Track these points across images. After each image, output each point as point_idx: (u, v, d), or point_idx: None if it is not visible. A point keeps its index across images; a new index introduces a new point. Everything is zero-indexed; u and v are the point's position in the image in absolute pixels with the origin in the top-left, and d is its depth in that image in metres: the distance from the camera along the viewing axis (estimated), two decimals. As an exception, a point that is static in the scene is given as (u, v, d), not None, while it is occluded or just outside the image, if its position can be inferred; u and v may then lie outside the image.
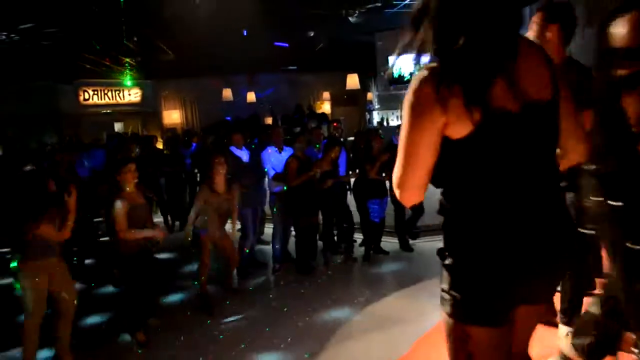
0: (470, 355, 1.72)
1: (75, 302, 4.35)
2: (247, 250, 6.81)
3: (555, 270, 1.74)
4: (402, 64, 13.47)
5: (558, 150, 1.76)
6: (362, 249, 7.21)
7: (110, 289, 6.44)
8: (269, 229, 7.48)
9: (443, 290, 1.77)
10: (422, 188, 1.70)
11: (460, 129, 1.57)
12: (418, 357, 3.44)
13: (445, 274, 1.77)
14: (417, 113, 1.60)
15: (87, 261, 7.12)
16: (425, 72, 1.59)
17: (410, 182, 1.67)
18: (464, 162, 1.63)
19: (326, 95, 17.58)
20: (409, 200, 1.71)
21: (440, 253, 1.81)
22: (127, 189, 4.85)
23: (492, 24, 1.55)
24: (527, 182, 1.64)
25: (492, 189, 1.64)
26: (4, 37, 12.88)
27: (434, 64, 1.59)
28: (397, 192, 1.71)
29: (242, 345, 4.75)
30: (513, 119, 1.56)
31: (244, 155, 6.92)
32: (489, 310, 1.67)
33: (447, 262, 1.77)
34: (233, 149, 6.94)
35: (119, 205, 4.70)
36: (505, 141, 1.59)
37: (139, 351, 4.77)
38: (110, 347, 4.90)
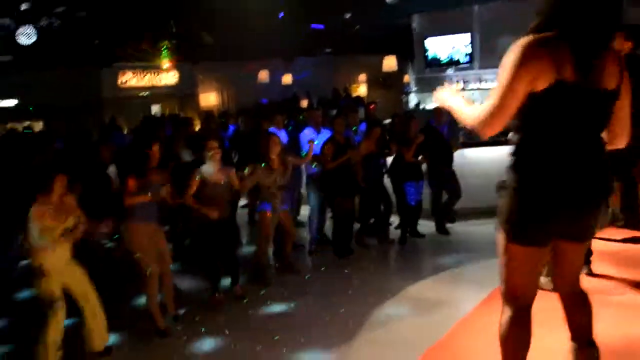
0: (508, 265, 2.22)
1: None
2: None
3: (590, 211, 2.18)
4: (438, 47, 13.28)
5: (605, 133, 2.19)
6: (398, 231, 7.15)
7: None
8: (305, 211, 7.49)
9: (498, 208, 2.21)
10: (502, 126, 2.08)
11: (543, 84, 1.98)
12: (455, 342, 3.40)
13: (500, 202, 2.20)
14: (523, 65, 1.97)
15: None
16: (533, 37, 2.02)
17: (498, 118, 2.05)
18: (537, 112, 2.06)
19: (362, 78, 17.43)
20: (490, 131, 2.09)
21: (500, 185, 2.21)
22: (212, 167, 5.20)
23: (606, 19, 2.01)
24: (579, 140, 2.09)
25: (554, 136, 2.07)
26: (45, 22, 13.15)
27: (547, 34, 2.02)
28: (479, 125, 2.11)
29: (271, 327, 4.81)
30: (580, 91, 2.00)
31: (282, 136, 6.93)
32: (528, 233, 2.14)
33: (502, 192, 2.19)
34: (273, 130, 6.95)
35: (200, 170, 5.18)
36: (568, 105, 2.02)
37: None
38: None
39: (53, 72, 14.29)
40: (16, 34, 11.89)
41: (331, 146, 6.44)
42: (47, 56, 13.77)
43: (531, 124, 2.10)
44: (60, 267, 4.08)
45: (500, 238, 2.21)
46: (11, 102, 15.17)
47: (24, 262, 5.65)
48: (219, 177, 5.27)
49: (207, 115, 9.62)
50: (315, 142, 6.51)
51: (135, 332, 4.90)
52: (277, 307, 5.30)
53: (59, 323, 4.01)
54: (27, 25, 12.14)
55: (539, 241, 2.15)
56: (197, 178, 5.17)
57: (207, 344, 4.63)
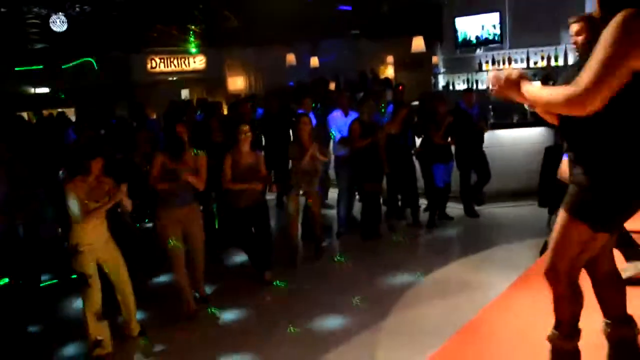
0: (582, 247, 2.21)
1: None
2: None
3: None
4: (468, 27, 13.03)
5: None
6: (427, 214, 7.13)
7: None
8: (332, 194, 7.52)
9: (583, 200, 2.13)
10: (604, 102, 1.92)
11: None
12: (484, 325, 3.39)
13: (585, 194, 2.12)
14: (629, 40, 1.87)
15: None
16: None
17: (598, 96, 1.90)
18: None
19: (390, 59, 17.23)
20: (590, 106, 1.92)
21: (589, 173, 2.10)
22: (242, 148, 5.29)
23: None
24: None
25: None
26: (77, 9, 13.35)
27: None
28: (579, 99, 1.93)
29: (297, 310, 4.87)
30: None
31: (312, 119, 6.94)
32: (616, 223, 2.21)
33: (592, 181, 2.10)
34: (302, 112, 6.97)
35: (228, 158, 5.28)
36: None
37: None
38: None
39: (84, 58, 14.52)
40: (49, 21, 12.09)
41: (358, 126, 6.43)
42: (78, 43, 14.00)
43: (628, 108, 2.01)
44: (95, 245, 4.23)
45: (575, 226, 2.17)
46: (45, 89, 15.49)
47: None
48: (248, 160, 5.34)
49: (235, 101, 9.67)
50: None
51: (165, 311, 5.02)
52: (305, 288, 5.37)
53: (95, 297, 4.20)
54: (59, 14, 12.34)
55: (619, 227, 2.25)
56: (229, 160, 5.26)
57: (235, 323, 4.73)
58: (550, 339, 2.41)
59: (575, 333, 2.38)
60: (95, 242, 4.25)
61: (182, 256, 4.88)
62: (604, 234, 2.20)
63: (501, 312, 3.48)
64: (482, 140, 7.14)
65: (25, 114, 13.73)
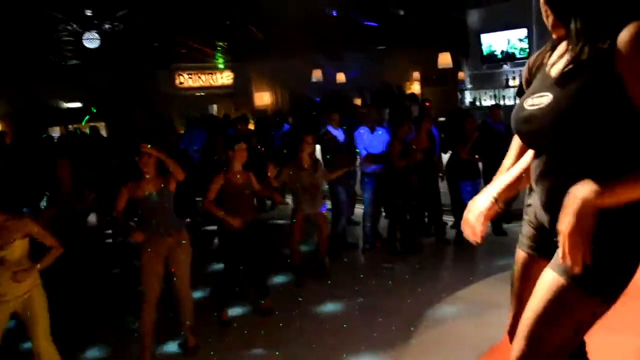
0: (582, 325, 1.70)
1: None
2: (340, 230, 6.90)
3: None
4: (493, 42, 13.00)
5: None
6: (454, 231, 7.08)
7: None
8: (358, 209, 7.52)
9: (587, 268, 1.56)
10: None
11: None
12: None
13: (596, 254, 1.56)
14: None
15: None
16: None
17: None
18: None
19: (416, 75, 17.26)
20: None
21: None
22: (235, 167, 5.01)
23: None
24: None
25: None
26: (107, 26, 13.71)
27: None
28: None
29: (327, 327, 4.87)
30: None
31: (339, 134, 6.99)
32: (622, 291, 1.65)
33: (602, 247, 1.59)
34: (330, 128, 7.02)
35: (215, 178, 4.92)
36: None
37: (234, 324, 5.01)
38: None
39: (114, 74, 14.86)
40: (82, 38, 12.44)
41: (398, 145, 6.44)
42: (109, 60, 14.35)
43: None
44: (9, 298, 3.57)
45: (580, 301, 1.65)
46: (77, 104, 15.88)
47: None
48: (240, 179, 5.03)
49: (264, 117, 9.81)
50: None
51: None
52: (330, 307, 5.36)
53: None
54: (91, 31, 12.69)
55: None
56: (219, 181, 4.95)
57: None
58: None
59: None
60: (10, 294, 3.57)
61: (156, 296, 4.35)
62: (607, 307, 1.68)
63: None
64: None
65: (58, 129, 14.11)
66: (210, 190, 4.90)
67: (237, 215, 4.89)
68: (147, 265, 4.25)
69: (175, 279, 4.39)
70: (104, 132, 13.65)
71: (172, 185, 4.35)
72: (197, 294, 5.47)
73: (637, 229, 1.59)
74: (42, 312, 3.70)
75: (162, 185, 4.31)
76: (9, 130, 13.31)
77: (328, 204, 6.78)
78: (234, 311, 5.25)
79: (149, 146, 4.18)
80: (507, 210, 7.55)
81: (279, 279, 6.12)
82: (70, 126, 13.74)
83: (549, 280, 1.68)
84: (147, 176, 4.27)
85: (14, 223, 3.58)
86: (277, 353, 4.43)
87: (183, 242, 4.40)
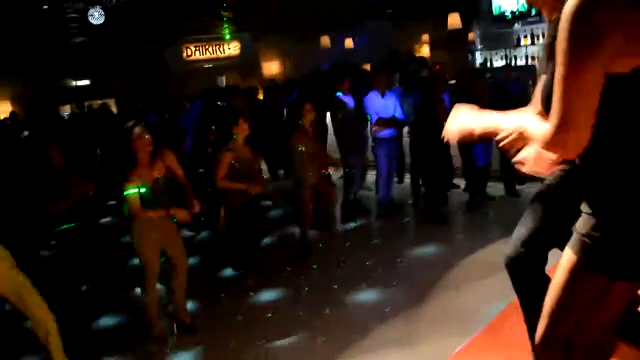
0: (595, 303, 1.65)
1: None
2: (353, 196, 6.90)
3: None
4: (503, 1, 12.71)
5: None
6: (467, 194, 7.06)
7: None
8: (370, 176, 7.51)
9: (590, 240, 1.58)
10: (588, 132, 1.45)
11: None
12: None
13: (595, 228, 1.58)
14: (589, 42, 1.39)
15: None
16: None
17: (578, 127, 1.44)
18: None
19: (425, 38, 17.00)
20: (574, 147, 1.47)
21: (590, 202, 1.61)
22: (238, 141, 5.01)
23: None
24: None
25: None
26: (112, 2, 13.60)
27: None
28: (556, 143, 1.49)
29: (335, 286, 4.95)
30: None
31: (349, 101, 6.94)
32: (631, 269, 1.56)
33: (599, 219, 1.57)
34: (340, 95, 6.97)
35: (223, 155, 4.92)
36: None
37: (251, 293, 5.09)
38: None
39: (122, 51, 14.79)
40: (87, 15, 12.38)
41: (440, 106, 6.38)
42: (116, 36, 14.28)
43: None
44: None
45: (589, 278, 1.63)
46: (86, 82, 15.88)
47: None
48: (245, 153, 5.06)
49: (272, 86, 9.71)
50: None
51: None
52: (338, 271, 5.40)
53: None
54: (96, 7, 12.60)
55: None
56: (227, 157, 4.94)
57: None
58: None
59: None
60: None
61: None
62: (629, 284, 1.63)
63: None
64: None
65: (68, 107, 14.15)
66: (219, 168, 4.89)
67: (240, 192, 4.93)
68: (146, 242, 4.22)
69: (171, 256, 4.40)
70: (114, 109, 13.66)
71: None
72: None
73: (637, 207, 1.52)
74: (27, 288, 3.70)
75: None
76: (20, 111, 13.36)
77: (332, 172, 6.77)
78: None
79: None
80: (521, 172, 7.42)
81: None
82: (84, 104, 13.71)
83: (566, 258, 1.67)
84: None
85: None
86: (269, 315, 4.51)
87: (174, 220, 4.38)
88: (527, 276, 2.49)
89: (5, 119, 12.33)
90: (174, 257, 4.39)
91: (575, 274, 1.64)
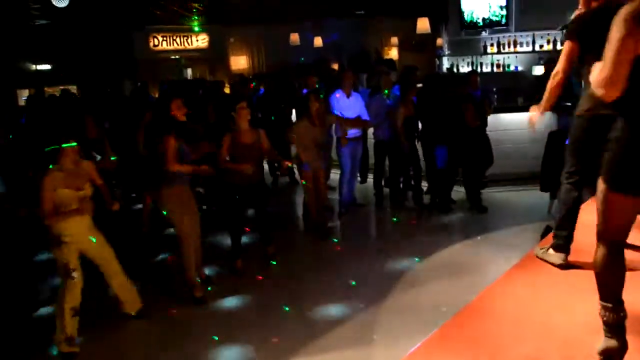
0: (606, 211, 2.34)
1: None
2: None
3: None
4: (475, 8, 12.89)
5: None
6: (428, 197, 7.13)
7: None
8: (334, 175, 7.52)
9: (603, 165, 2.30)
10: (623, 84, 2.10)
11: None
12: (483, 307, 3.39)
13: (606, 154, 2.29)
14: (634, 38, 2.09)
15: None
16: None
17: (617, 80, 2.09)
18: None
19: (394, 40, 17.10)
20: (612, 91, 2.11)
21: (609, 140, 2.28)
22: (241, 126, 5.23)
23: None
24: None
25: None
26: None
27: None
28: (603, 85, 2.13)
29: (292, 282, 4.90)
30: None
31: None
32: (628, 183, 2.24)
33: (609, 146, 2.27)
34: (305, 92, 6.95)
35: (224, 139, 5.23)
36: None
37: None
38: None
39: (86, 35, 14.40)
40: (51, -3, 12.01)
41: (406, 109, 6.72)
42: (81, 20, 13.89)
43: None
44: (78, 236, 4.08)
45: (601, 187, 2.32)
46: (47, 66, 15.42)
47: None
48: (248, 138, 5.27)
49: (240, 79, 9.64)
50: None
51: (165, 292, 5.05)
52: (305, 270, 5.39)
53: (75, 290, 4.03)
54: (60, -12, 12.24)
55: (637, 191, 2.26)
56: (228, 140, 5.22)
57: (234, 307, 4.75)
58: (600, 313, 2.41)
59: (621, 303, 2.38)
60: (78, 232, 4.08)
61: (192, 237, 4.84)
62: (631, 198, 2.26)
63: (500, 295, 3.49)
64: (485, 123, 7.09)
65: (27, 92, 13.71)
66: (221, 150, 5.21)
67: (242, 173, 5.18)
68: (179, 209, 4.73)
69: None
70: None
71: None
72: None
73: (624, 143, 2.21)
74: (107, 246, 4.28)
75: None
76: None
77: None
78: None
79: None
80: (483, 177, 7.57)
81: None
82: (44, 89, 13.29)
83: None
84: None
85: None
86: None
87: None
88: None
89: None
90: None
91: (599, 186, 2.33)
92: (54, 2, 11.81)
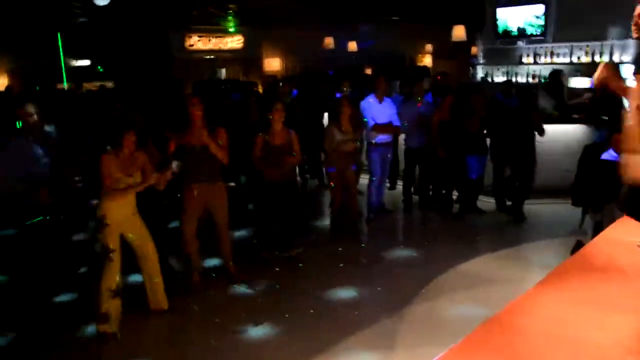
0: None
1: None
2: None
3: None
4: (510, 18, 12.72)
5: None
6: (457, 205, 7.07)
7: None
8: (363, 180, 7.52)
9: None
10: None
11: None
12: (508, 320, 3.34)
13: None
14: None
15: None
16: None
17: None
18: None
19: (428, 48, 17.05)
20: None
21: None
22: (275, 127, 5.38)
23: None
24: None
25: None
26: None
27: None
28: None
29: (318, 284, 4.91)
30: None
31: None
32: None
33: None
34: (339, 96, 6.98)
35: (257, 138, 5.42)
36: None
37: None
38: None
39: (125, 33, 14.71)
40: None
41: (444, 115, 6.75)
42: (120, 18, 14.19)
43: None
44: (121, 219, 4.26)
45: None
46: (85, 62, 15.79)
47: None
48: (281, 138, 5.41)
49: (272, 81, 9.72)
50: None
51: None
52: (330, 270, 5.39)
53: (113, 271, 4.19)
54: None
55: None
56: (261, 139, 5.38)
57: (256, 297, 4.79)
58: None
59: None
60: (122, 216, 4.27)
61: (194, 227, 5.04)
62: None
63: (529, 309, 3.43)
64: (519, 134, 6.91)
65: (65, 86, 14.08)
66: (255, 148, 5.43)
67: (274, 171, 5.44)
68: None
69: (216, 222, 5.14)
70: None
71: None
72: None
73: None
74: (148, 234, 4.42)
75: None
76: (15, 85, 13.28)
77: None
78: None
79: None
80: (513, 189, 7.45)
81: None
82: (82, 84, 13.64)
83: None
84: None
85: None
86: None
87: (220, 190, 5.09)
88: None
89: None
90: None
91: None
92: (95, 1, 12.08)
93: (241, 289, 5.04)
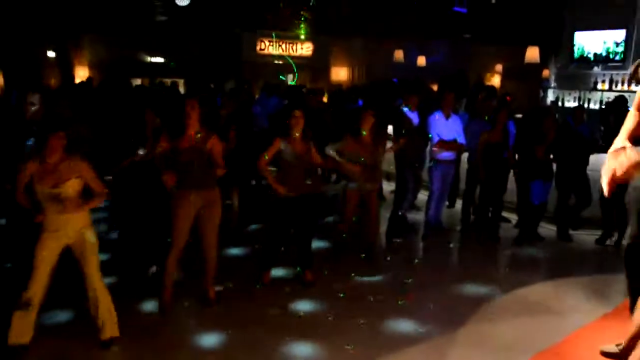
0: None
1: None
2: (402, 212, 6.86)
3: None
4: (587, 42, 12.36)
5: None
6: (517, 230, 6.92)
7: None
8: (422, 196, 7.48)
9: None
10: None
11: None
12: (567, 352, 3.28)
13: None
14: None
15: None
16: None
17: None
18: None
19: (498, 68, 16.75)
20: None
21: None
22: (293, 134, 5.02)
23: None
24: None
25: None
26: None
27: None
28: None
29: (370, 298, 4.91)
30: None
31: (414, 117, 6.93)
32: None
33: None
34: (406, 110, 6.98)
35: (274, 141, 5.01)
36: None
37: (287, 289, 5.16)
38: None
39: (200, 33, 15.23)
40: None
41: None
42: (197, 18, 14.71)
43: None
44: (62, 233, 3.83)
45: None
46: (160, 59, 16.43)
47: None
48: (298, 148, 5.04)
49: (336, 90, 9.82)
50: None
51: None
52: (381, 286, 5.39)
53: (35, 284, 3.78)
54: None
55: None
56: (277, 145, 4.99)
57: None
58: None
59: None
60: (63, 229, 3.82)
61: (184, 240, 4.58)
62: None
63: (586, 343, 3.36)
64: (586, 161, 6.78)
65: (139, 80, 14.68)
66: (266, 151, 5.00)
67: (287, 182, 4.97)
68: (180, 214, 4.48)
69: (203, 236, 4.62)
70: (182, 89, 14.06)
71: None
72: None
73: None
74: (93, 251, 3.93)
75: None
76: (96, 77, 13.95)
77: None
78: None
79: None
80: (576, 217, 7.30)
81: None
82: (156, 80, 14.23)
83: None
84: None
85: (71, 164, 3.79)
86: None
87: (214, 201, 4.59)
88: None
89: (81, 82, 12.91)
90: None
91: None
92: (176, 1, 12.58)
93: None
